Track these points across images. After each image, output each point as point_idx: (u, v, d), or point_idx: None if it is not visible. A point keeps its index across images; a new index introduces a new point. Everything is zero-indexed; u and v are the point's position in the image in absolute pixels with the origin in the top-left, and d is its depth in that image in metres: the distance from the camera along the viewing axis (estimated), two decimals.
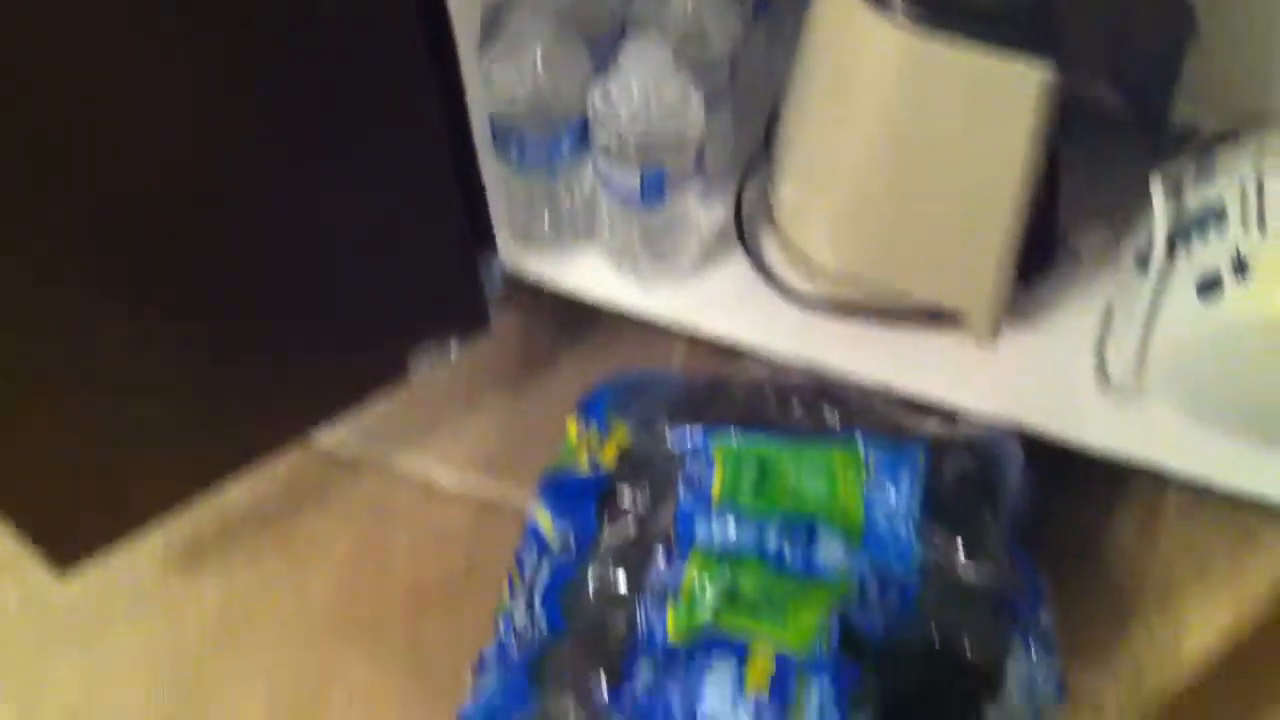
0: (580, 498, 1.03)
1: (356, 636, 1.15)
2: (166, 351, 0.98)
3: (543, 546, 1.03)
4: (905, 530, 0.97)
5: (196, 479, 1.08)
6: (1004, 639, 0.94)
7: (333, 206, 0.97)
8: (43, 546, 1.01)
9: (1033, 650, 0.95)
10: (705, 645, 0.93)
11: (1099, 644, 1.11)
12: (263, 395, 1.07)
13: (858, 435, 0.99)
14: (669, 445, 1.02)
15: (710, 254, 1.15)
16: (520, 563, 1.04)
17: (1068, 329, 1.11)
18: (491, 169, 1.08)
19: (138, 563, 1.17)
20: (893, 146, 1.01)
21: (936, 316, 1.10)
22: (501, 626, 1.02)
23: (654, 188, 1.03)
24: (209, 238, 0.93)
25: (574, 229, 1.14)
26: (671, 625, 0.95)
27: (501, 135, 1.05)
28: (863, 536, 0.98)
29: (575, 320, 1.26)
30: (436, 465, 1.22)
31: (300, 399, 1.09)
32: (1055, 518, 1.10)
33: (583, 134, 1.05)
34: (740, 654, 0.92)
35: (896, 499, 0.98)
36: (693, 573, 0.97)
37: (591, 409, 1.08)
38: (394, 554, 1.18)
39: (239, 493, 1.20)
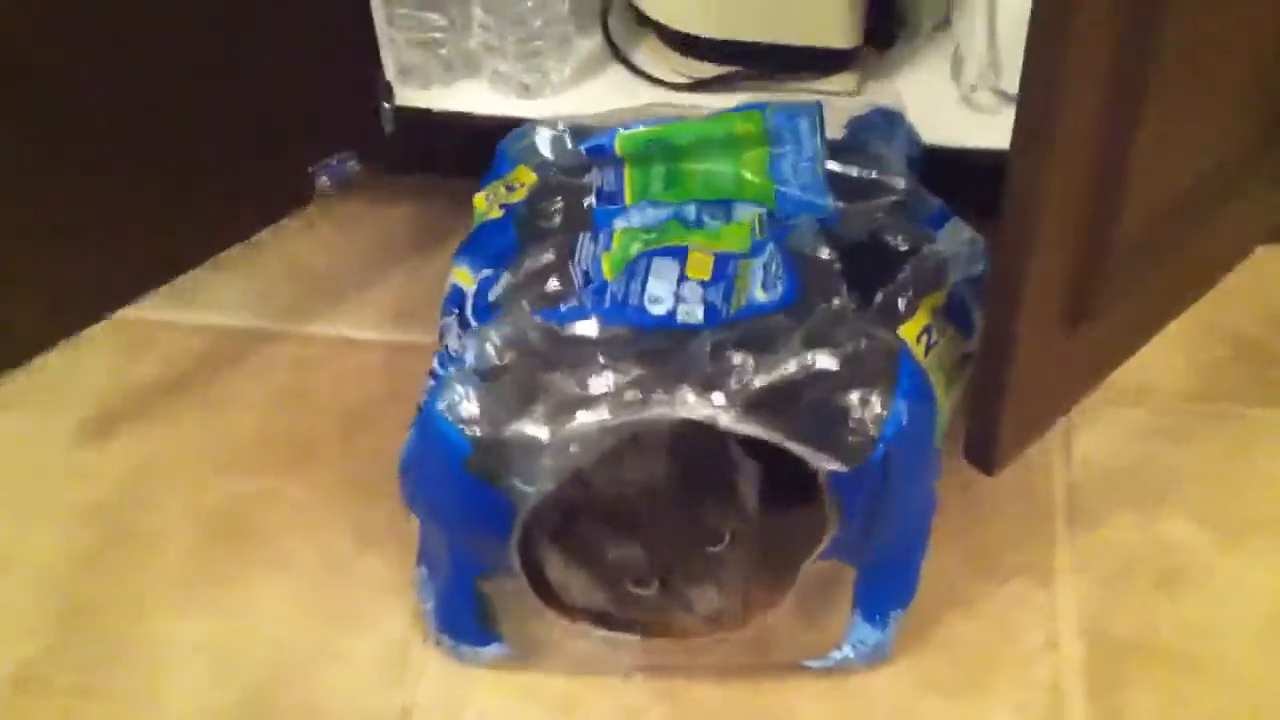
0: (498, 233, 1.04)
1: (288, 462, 1.10)
2: (85, 165, 1.01)
3: (463, 296, 1.03)
4: (813, 175, 1.00)
5: (124, 287, 1.08)
6: (921, 231, 0.97)
7: (242, 25, 1.04)
8: None
9: (949, 227, 0.98)
10: (644, 258, 0.94)
11: None
12: (179, 209, 1.07)
13: (754, 105, 1.04)
14: (579, 153, 1.05)
15: (582, 72, 1.22)
16: (446, 315, 1.03)
17: (924, 75, 1.19)
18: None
19: (45, 439, 1.13)
20: None
21: (808, 70, 1.17)
22: (435, 364, 1.00)
23: None
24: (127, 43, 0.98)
25: (456, 66, 1.21)
26: (607, 267, 0.95)
27: None
28: (775, 202, 1.02)
29: (465, 196, 1.30)
30: (349, 326, 1.21)
31: (216, 213, 1.10)
32: None
33: None
34: (680, 257, 0.94)
35: (801, 148, 1.01)
36: (619, 235, 0.99)
37: (493, 172, 1.11)
38: (317, 392, 1.16)
39: (148, 368, 1.18)
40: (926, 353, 0.90)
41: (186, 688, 0.97)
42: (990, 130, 1.11)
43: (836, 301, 0.86)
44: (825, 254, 0.89)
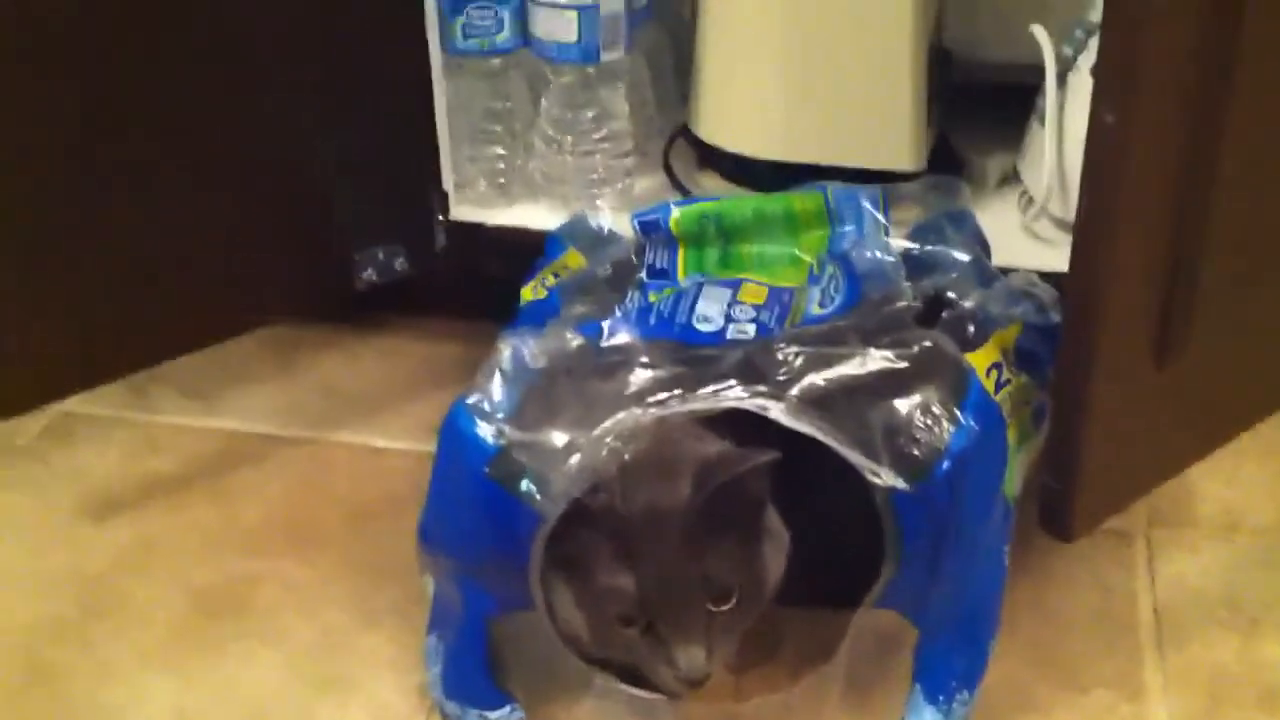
0: (542, 308, 0.99)
1: (294, 545, 1.02)
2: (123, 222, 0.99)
3: None
4: (875, 244, 0.95)
5: (148, 350, 1.04)
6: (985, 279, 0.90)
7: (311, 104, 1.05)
8: None
9: (1019, 274, 0.91)
10: (695, 285, 0.88)
11: None
12: (216, 276, 1.04)
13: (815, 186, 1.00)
14: (633, 232, 1.00)
15: (642, 203, 1.19)
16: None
17: (986, 204, 1.16)
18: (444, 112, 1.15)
19: (44, 515, 1.06)
20: (798, 28, 1.12)
21: None
22: None
23: (589, 28, 1.11)
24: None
25: (515, 191, 1.20)
26: (654, 296, 0.90)
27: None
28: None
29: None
30: (378, 437, 1.15)
31: (254, 285, 1.06)
32: None
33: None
34: (733, 286, 0.88)
35: (863, 226, 0.96)
36: (666, 292, 0.93)
37: (544, 258, 1.06)
38: (334, 489, 1.08)
39: (161, 462, 1.11)
40: (997, 390, 0.82)
41: None
42: (1053, 256, 1.08)
43: (901, 304, 0.79)
44: (890, 259, 0.83)
